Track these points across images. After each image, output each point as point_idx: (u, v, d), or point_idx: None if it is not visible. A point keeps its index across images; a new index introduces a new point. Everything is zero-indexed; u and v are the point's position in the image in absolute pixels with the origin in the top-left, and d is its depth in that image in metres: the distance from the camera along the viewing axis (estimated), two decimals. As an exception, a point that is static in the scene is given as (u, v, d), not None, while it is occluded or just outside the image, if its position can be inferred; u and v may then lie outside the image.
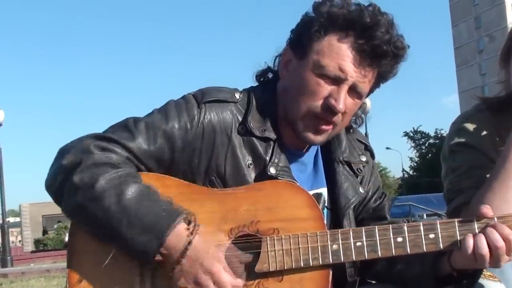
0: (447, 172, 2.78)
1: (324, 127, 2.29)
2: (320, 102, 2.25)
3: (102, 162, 2.12)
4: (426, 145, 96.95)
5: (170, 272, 2.06)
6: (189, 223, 2.07)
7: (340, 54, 2.23)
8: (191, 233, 2.05)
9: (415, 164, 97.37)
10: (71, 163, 2.12)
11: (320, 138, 2.33)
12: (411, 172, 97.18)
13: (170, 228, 2.03)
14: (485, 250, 2.06)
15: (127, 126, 2.24)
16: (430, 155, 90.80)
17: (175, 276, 2.06)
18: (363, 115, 2.59)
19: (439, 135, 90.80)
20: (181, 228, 2.05)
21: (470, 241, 2.08)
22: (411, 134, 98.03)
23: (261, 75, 2.50)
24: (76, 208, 2.11)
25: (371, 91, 2.39)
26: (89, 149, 2.14)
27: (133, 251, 2.06)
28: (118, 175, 2.10)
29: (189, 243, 2.03)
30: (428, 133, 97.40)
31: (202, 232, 2.08)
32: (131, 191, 2.08)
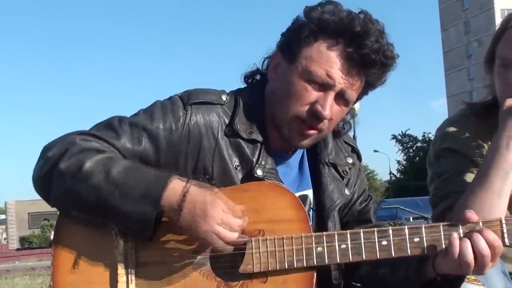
0: (433, 177, 2.79)
1: (309, 131, 2.30)
2: (306, 108, 2.26)
3: (87, 148, 2.13)
4: (414, 148, 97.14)
5: (179, 230, 2.07)
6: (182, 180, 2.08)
7: (329, 61, 2.24)
8: (187, 185, 2.05)
9: (402, 167, 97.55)
10: (57, 153, 2.13)
11: (306, 142, 2.34)
12: (398, 175, 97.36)
13: (164, 190, 2.04)
14: (470, 257, 2.06)
15: (112, 125, 2.24)
16: (417, 158, 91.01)
17: (184, 231, 2.06)
18: (351, 121, 2.61)
19: (427, 139, 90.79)
20: (175, 184, 2.05)
21: (456, 248, 2.08)
22: (399, 137, 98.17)
23: (249, 76, 2.51)
24: (66, 194, 2.10)
25: (358, 98, 2.40)
26: (74, 141, 2.15)
27: (132, 222, 2.06)
28: (104, 157, 2.11)
29: (186, 191, 2.03)
30: (416, 136, 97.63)
31: (197, 186, 2.08)
32: (118, 166, 2.09)
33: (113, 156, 2.15)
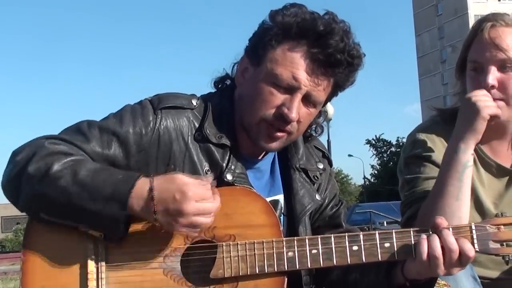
0: (403, 184, 2.81)
1: (277, 134, 2.30)
2: (272, 111, 2.26)
3: (55, 151, 2.12)
4: (388, 153, 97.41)
5: (158, 227, 2.06)
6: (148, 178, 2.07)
7: (293, 62, 2.23)
8: (152, 180, 2.04)
9: (376, 171, 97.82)
10: (25, 157, 2.12)
11: (275, 145, 2.33)
12: (372, 180, 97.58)
13: (131, 190, 2.03)
14: (438, 252, 2.08)
15: (81, 129, 2.23)
16: (391, 163, 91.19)
17: (165, 226, 2.05)
18: (324, 124, 2.60)
19: (401, 144, 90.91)
20: (141, 183, 2.04)
21: (424, 246, 2.10)
22: (373, 142, 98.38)
23: (219, 82, 2.50)
24: (35, 197, 2.09)
25: (328, 99, 2.40)
26: (43, 144, 2.14)
27: (102, 223, 2.06)
28: (71, 159, 2.10)
29: (151, 189, 2.02)
30: (390, 141, 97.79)
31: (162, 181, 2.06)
32: (85, 168, 2.08)
33: (81, 158, 2.14)
